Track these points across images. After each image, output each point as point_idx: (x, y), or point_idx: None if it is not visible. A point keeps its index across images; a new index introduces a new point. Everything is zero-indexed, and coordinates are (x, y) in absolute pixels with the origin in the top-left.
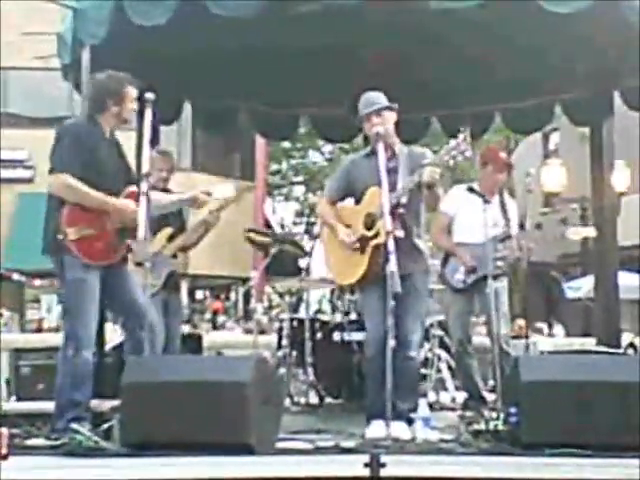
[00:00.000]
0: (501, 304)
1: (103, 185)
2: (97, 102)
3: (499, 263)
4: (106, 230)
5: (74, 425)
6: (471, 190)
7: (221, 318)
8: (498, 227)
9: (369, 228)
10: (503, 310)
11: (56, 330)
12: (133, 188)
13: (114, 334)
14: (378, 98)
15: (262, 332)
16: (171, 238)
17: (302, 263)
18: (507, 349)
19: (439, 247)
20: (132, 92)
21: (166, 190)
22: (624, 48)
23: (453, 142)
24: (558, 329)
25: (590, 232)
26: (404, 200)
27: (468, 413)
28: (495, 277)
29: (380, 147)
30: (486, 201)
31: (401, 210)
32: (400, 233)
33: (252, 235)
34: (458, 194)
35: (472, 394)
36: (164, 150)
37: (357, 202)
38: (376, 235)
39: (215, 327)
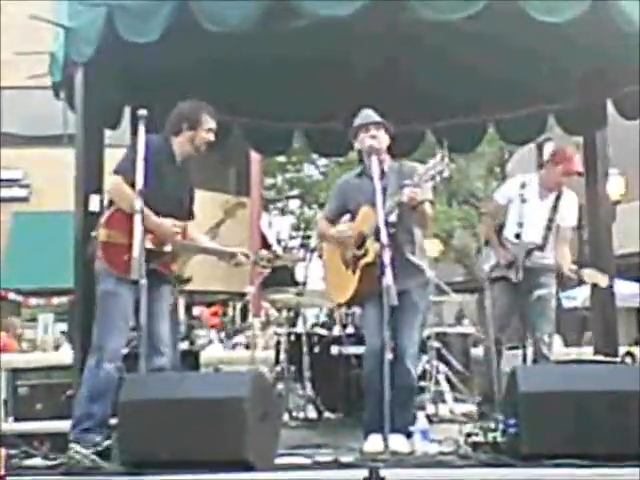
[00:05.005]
0: (546, 309)
1: (161, 207)
2: (173, 125)
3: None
4: None
5: (72, 445)
6: (523, 186)
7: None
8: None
9: (359, 247)
10: (549, 315)
11: (55, 348)
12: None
13: None
14: (367, 115)
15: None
16: None
17: (299, 276)
18: (547, 354)
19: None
20: (208, 121)
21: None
22: (616, 57)
23: (430, 162)
24: (555, 339)
25: (604, 281)
26: (393, 219)
27: (469, 425)
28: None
29: (374, 160)
30: (524, 200)
31: (391, 230)
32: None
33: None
34: (513, 186)
35: (487, 397)
36: None
37: (352, 221)
38: (365, 254)
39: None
